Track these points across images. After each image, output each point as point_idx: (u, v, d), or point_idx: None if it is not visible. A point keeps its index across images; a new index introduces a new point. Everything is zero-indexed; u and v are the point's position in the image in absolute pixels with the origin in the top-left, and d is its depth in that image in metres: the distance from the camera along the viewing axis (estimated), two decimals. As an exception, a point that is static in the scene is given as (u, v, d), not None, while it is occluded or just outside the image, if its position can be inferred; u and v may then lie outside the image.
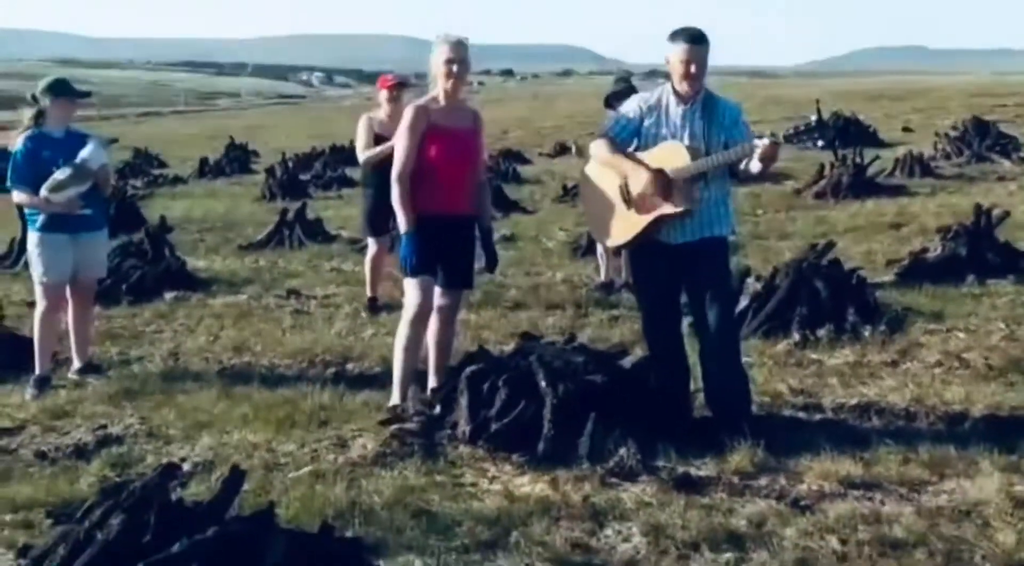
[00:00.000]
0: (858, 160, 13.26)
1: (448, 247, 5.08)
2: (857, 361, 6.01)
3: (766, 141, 4.46)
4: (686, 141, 4.67)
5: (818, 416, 5.12)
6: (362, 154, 7.58)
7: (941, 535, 3.71)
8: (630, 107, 4.88)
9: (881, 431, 4.80)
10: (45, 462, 4.84)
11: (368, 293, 7.91)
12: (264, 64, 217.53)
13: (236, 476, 3.21)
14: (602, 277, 8.28)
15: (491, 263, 5.33)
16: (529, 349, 4.91)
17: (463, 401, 4.71)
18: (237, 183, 20.14)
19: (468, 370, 4.81)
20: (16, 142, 5.99)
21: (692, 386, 5.05)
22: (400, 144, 5.04)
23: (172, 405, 5.61)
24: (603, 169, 4.91)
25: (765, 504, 4.04)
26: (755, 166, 4.54)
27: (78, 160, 5.86)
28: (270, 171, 17.84)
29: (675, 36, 4.68)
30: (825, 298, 6.67)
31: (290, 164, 18.56)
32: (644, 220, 4.74)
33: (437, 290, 5.15)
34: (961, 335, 6.42)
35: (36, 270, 6.07)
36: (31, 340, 6.24)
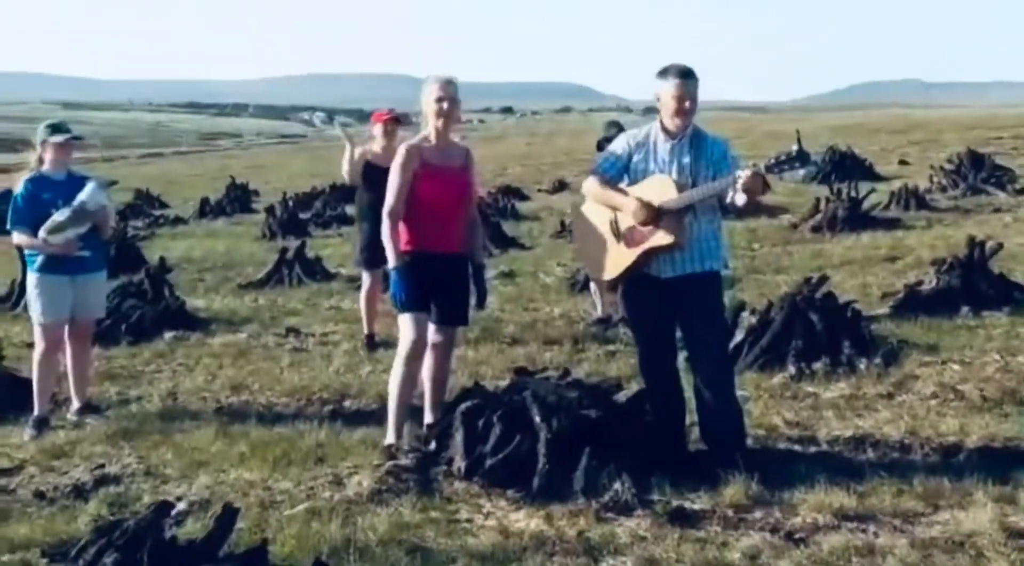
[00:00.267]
0: (853, 194, 13.33)
1: (441, 284, 5.13)
2: (852, 394, 6.03)
3: (747, 172, 4.51)
4: (674, 175, 4.73)
5: (813, 449, 5.13)
6: (346, 174, 7.78)
7: (934, 566, 3.72)
8: (619, 144, 4.95)
9: (876, 463, 4.81)
10: (43, 502, 4.86)
11: (365, 330, 7.95)
12: (265, 105, 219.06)
13: (229, 514, 3.23)
14: (599, 312, 8.31)
15: (481, 300, 5.38)
16: (523, 384, 4.94)
17: (458, 437, 4.73)
18: (238, 223, 20.23)
19: (463, 406, 4.84)
20: (17, 184, 6.08)
21: (688, 420, 5.08)
22: (392, 182, 5.11)
23: (170, 444, 5.63)
24: (594, 205, 4.99)
25: (759, 537, 4.05)
26: (740, 199, 4.57)
27: (76, 202, 5.94)
28: (270, 210, 17.94)
29: (664, 73, 4.75)
30: (820, 331, 6.70)
31: (290, 203, 18.66)
32: (633, 254, 4.79)
33: (431, 327, 5.18)
34: (956, 367, 6.44)
35: (34, 311, 6.13)
36: (30, 381, 6.28)
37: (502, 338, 7.96)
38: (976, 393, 5.87)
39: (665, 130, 4.81)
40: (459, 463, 4.67)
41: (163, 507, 3.26)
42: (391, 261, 5.11)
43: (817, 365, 6.45)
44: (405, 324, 5.12)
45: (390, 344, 7.21)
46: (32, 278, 6.09)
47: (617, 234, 4.84)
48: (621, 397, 5.05)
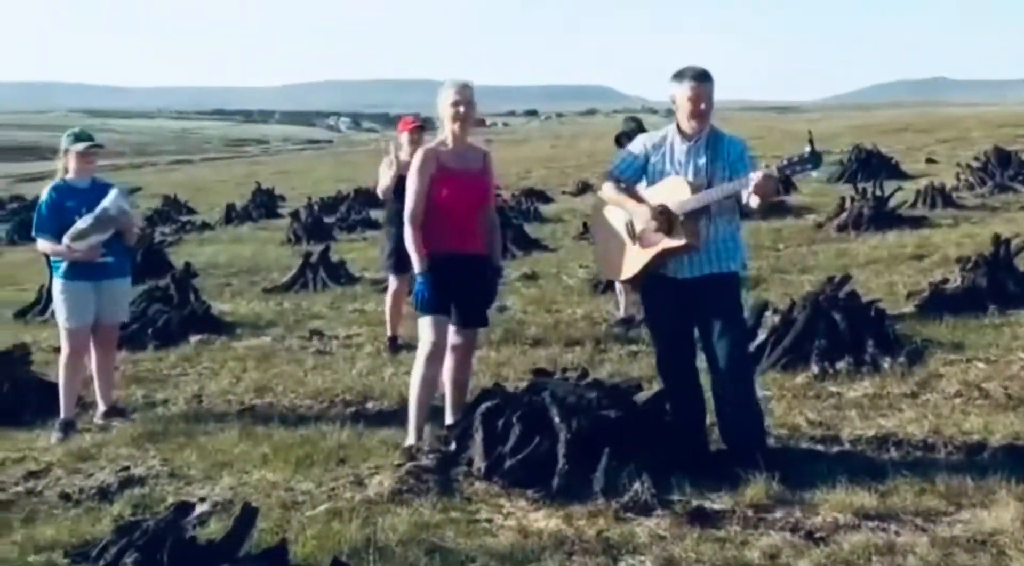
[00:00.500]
0: (879, 193, 13.24)
1: (461, 286, 5.15)
2: (876, 393, 5.99)
3: (759, 174, 4.50)
4: (690, 177, 4.73)
5: (835, 448, 5.09)
6: (380, 190, 7.78)
7: (956, 565, 3.69)
8: (636, 146, 4.98)
9: (898, 462, 4.77)
10: (69, 503, 4.92)
11: (388, 332, 7.99)
12: (292, 111, 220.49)
13: (248, 514, 3.26)
14: (621, 313, 8.31)
15: (489, 301, 5.43)
16: (543, 385, 4.95)
17: (478, 437, 4.75)
18: (263, 228, 20.39)
19: (483, 407, 4.86)
20: (42, 192, 6.18)
21: (708, 419, 5.06)
22: (410, 186, 5.15)
23: (194, 446, 5.68)
24: (611, 207, 5.00)
25: (779, 536, 4.03)
26: (753, 201, 4.57)
27: (99, 209, 6.02)
28: (295, 215, 18.06)
29: (680, 75, 4.76)
30: (843, 330, 6.66)
31: (315, 208, 18.79)
32: (648, 254, 4.80)
33: (452, 328, 5.21)
34: (981, 365, 6.39)
35: (60, 316, 6.23)
36: (58, 385, 6.35)
37: (524, 340, 7.97)
38: (1001, 391, 5.82)
39: (681, 132, 4.81)
40: (479, 463, 4.69)
41: (183, 508, 3.29)
42: (416, 266, 5.14)
43: (840, 364, 6.41)
44: (426, 326, 5.15)
45: (413, 346, 7.22)
46: (57, 284, 6.18)
47: (633, 235, 4.86)
48: (641, 397, 5.04)
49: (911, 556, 3.77)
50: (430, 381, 5.19)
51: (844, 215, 13.07)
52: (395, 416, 5.93)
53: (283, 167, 49.41)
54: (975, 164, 17.42)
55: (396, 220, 7.44)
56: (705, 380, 5.01)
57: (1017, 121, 32.99)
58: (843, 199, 13.62)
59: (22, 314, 10.53)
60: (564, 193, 23.14)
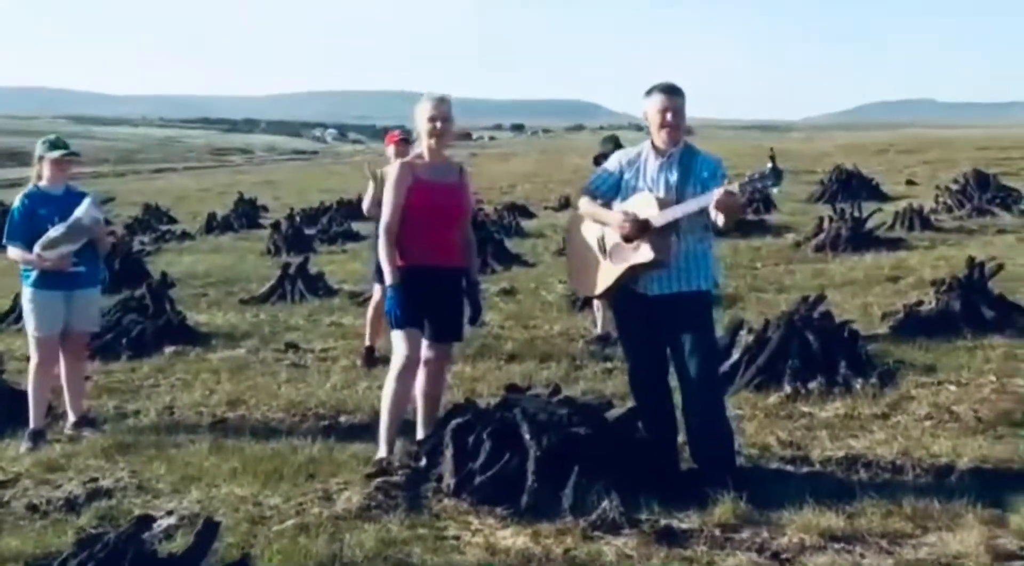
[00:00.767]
0: (857, 214, 13.34)
1: (435, 299, 5.15)
2: (848, 414, 6.01)
3: (719, 191, 4.52)
4: (660, 193, 4.76)
5: (805, 468, 5.11)
6: (364, 208, 7.84)
7: (919, 588, 3.71)
8: (612, 162, 5.02)
9: (867, 484, 4.79)
10: (36, 515, 4.87)
11: (366, 341, 7.98)
12: (278, 120, 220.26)
13: (210, 528, 3.25)
14: (599, 330, 8.32)
15: (475, 316, 5.39)
16: (514, 401, 4.95)
17: (448, 454, 4.74)
18: (244, 238, 20.33)
19: (453, 422, 4.85)
20: (15, 199, 6.14)
21: (681, 437, 5.07)
22: (387, 199, 5.16)
23: (164, 459, 5.64)
24: (586, 222, 5.03)
25: (746, 557, 4.04)
26: (719, 219, 4.59)
27: (72, 219, 5.98)
28: (275, 226, 18.02)
29: (650, 91, 4.83)
30: (816, 351, 6.70)
31: (297, 219, 18.75)
32: (618, 270, 4.83)
33: (425, 342, 5.20)
34: (952, 388, 6.42)
35: (28, 325, 6.19)
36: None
37: (500, 355, 7.96)
38: (971, 415, 5.85)
39: (655, 148, 4.85)
40: (448, 480, 4.68)
41: (145, 521, 3.27)
42: (387, 278, 5.14)
43: (813, 385, 6.44)
44: (398, 340, 5.14)
45: (388, 360, 7.23)
46: (27, 293, 6.14)
47: (604, 250, 4.88)
48: (612, 414, 5.04)
49: (875, 578, 3.79)
50: (402, 395, 5.18)
51: (822, 235, 13.17)
52: (367, 430, 5.90)
53: (267, 177, 49.29)
54: (954, 186, 17.58)
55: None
56: (678, 397, 5.02)
57: (1000, 144, 33.32)
58: (821, 219, 13.72)
59: (-3, 322, 10.43)
60: (547, 208, 23.21)
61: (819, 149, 36.27)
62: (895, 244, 13.12)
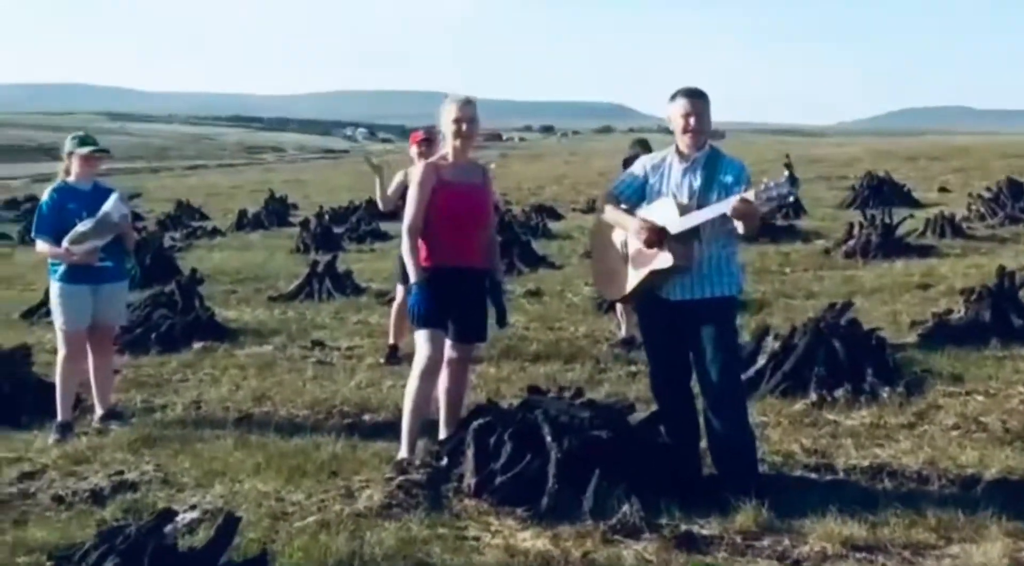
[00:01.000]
0: (887, 220, 13.22)
1: (459, 300, 5.17)
2: (873, 422, 5.96)
3: (735, 198, 4.50)
4: (684, 198, 4.74)
5: (829, 477, 5.07)
6: (378, 198, 8.01)
7: (941, 599, 3.68)
8: (637, 166, 5.01)
9: (891, 493, 4.75)
10: (62, 506, 4.94)
11: (390, 340, 8.01)
12: (308, 119, 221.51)
13: (230, 523, 3.27)
14: (623, 333, 8.30)
15: (501, 318, 5.39)
16: (536, 403, 4.94)
17: (469, 454, 4.75)
18: (274, 235, 20.46)
19: (475, 423, 4.86)
20: (43, 194, 6.22)
21: (704, 442, 5.04)
22: (410, 199, 5.18)
23: (189, 453, 5.70)
24: (610, 226, 5.02)
25: (766, 564, 4.02)
26: (738, 226, 4.58)
27: (100, 214, 6.05)
28: (304, 224, 18.13)
29: (674, 95, 4.82)
30: (843, 358, 6.64)
31: (325, 217, 18.85)
32: (639, 275, 4.82)
33: (448, 343, 5.22)
34: (980, 398, 6.36)
35: (57, 318, 6.26)
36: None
37: (524, 356, 7.96)
38: (999, 425, 5.78)
39: (680, 153, 4.84)
40: (469, 480, 4.69)
41: (167, 514, 3.30)
42: (412, 276, 5.16)
43: (839, 392, 6.38)
44: (421, 340, 5.16)
45: (412, 359, 7.25)
46: (55, 287, 6.21)
47: (626, 255, 4.88)
48: (634, 418, 5.03)
49: (897, 588, 3.76)
50: (425, 395, 5.20)
51: (852, 242, 13.05)
52: (391, 429, 5.91)
53: (298, 175, 49.60)
54: (987, 194, 17.38)
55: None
56: (701, 403, 5.00)
57: (1033, 152, 32.90)
58: (851, 225, 13.61)
59: (29, 314, 10.58)
60: (574, 210, 23.17)
61: (849, 154, 36.00)
62: (926, 251, 12.99)
